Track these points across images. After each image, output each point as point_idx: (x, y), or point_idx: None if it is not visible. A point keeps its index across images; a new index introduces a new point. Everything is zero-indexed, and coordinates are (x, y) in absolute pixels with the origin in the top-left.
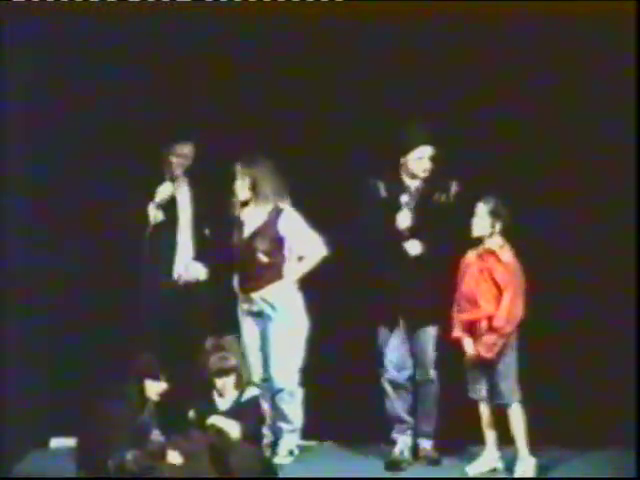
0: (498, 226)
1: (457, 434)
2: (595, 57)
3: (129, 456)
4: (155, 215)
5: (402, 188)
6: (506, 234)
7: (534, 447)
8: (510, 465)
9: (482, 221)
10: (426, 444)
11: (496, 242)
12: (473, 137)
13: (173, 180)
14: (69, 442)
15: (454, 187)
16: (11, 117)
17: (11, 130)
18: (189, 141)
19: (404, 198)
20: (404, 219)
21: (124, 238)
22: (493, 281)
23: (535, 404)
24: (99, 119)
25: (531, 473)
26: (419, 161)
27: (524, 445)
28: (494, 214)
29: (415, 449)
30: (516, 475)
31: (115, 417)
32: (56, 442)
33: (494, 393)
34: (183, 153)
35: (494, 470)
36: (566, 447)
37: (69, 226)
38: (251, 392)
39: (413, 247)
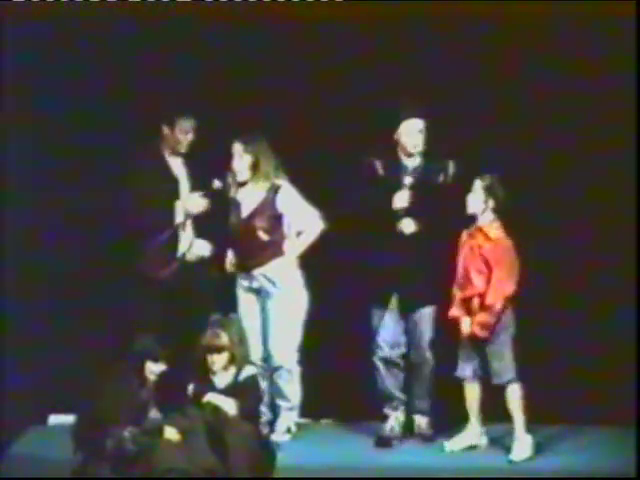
0: (491, 203)
1: (452, 411)
2: (595, 57)
3: (126, 434)
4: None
5: (400, 167)
6: (501, 213)
7: (531, 425)
8: (498, 442)
9: (476, 197)
10: (421, 421)
11: (487, 219)
12: (472, 116)
13: (175, 155)
14: (68, 419)
15: (452, 167)
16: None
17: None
18: (190, 116)
19: (407, 179)
20: (402, 199)
21: (126, 217)
22: (482, 258)
23: (533, 382)
24: (99, 104)
25: (528, 451)
26: (409, 135)
27: (521, 423)
28: (488, 190)
29: (411, 425)
30: (513, 453)
31: (113, 396)
32: (55, 419)
33: (490, 373)
34: (185, 128)
35: (474, 447)
36: (564, 425)
37: (69, 205)
38: (249, 371)
39: (407, 226)
